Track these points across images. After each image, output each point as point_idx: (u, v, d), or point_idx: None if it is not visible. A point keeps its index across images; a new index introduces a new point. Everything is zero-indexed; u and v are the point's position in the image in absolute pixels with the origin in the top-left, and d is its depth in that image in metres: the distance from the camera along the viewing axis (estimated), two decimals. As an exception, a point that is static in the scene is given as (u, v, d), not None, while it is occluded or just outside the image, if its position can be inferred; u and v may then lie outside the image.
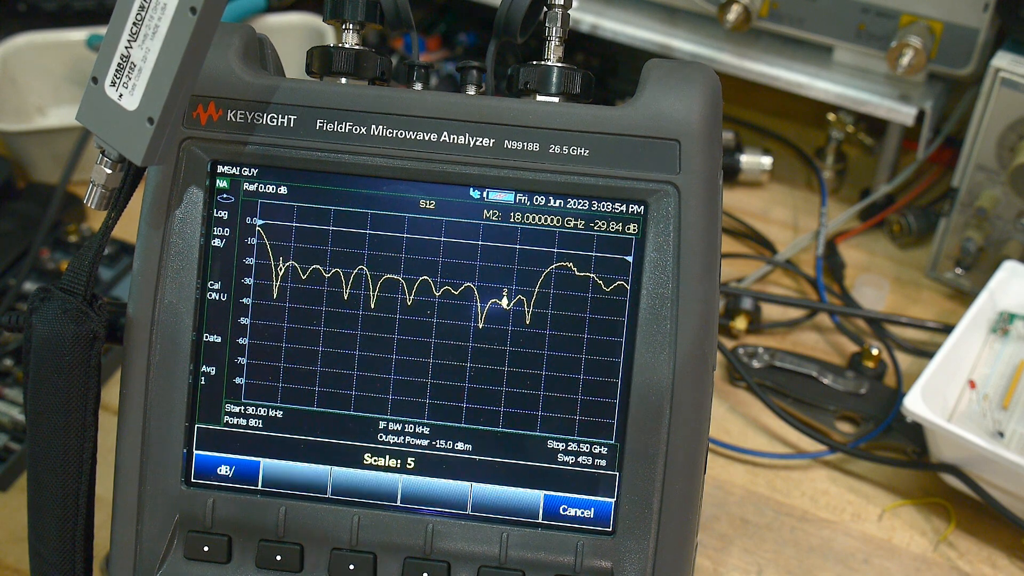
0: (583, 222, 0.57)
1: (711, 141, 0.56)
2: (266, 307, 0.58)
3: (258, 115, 0.57)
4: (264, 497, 0.58)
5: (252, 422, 0.58)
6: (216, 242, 0.58)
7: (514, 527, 0.57)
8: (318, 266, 0.57)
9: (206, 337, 0.58)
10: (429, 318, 0.57)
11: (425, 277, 0.57)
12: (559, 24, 0.59)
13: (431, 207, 0.57)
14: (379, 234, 0.57)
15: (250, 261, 0.58)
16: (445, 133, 0.56)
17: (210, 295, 0.58)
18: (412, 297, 0.57)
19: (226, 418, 0.58)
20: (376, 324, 0.57)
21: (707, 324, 0.56)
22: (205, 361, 0.58)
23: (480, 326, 0.57)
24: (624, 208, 0.56)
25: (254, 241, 0.58)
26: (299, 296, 0.58)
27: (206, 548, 0.57)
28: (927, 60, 0.87)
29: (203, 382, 0.58)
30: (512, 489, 0.58)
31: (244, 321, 0.58)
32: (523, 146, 0.56)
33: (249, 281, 0.58)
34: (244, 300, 0.58)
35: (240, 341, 0.58)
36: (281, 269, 0.58)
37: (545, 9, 0.59)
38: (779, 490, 0.79)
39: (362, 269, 0.57)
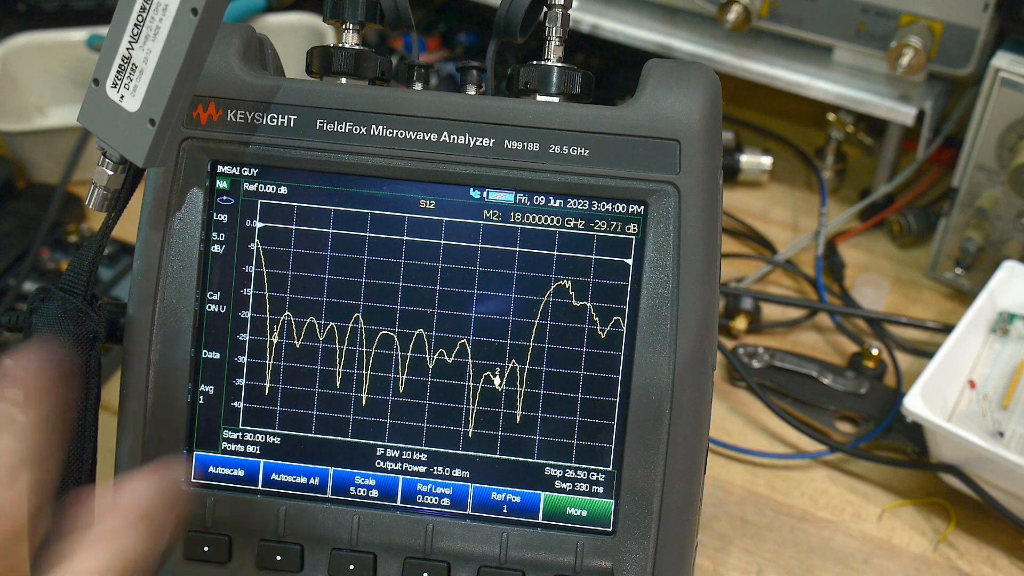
0: (583, 222, 0.57)
1: (711, 141, 0.56)
2: (264, 321, 0.58)
3: (258, 115, 0.57)
4: (264, 497, 0.58)
5: (250, 448, 0.58)
6: (216, 248, 0.58)
7: (514, 527, 0.57)
8: (317, 274, 0.57)
9: (205, 354, 0.58)
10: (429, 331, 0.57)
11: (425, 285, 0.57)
12: (559, 24, 0.59)
13: (431, 207, 0.57)
14: (379, 236, 0.57)
15: (249, 269, 0.58)
16: (445, 133, 0.56)
17: (209, 307, 0.58)
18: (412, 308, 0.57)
19: (224, 444, 0.58)
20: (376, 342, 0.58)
21: (707, 324, 0.56)
22: (204, 380, 0.58)
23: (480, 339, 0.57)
24: (624, 208, 0.56)
25: (254, 247, 0.58)
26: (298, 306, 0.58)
27: (206, 548, 0.57)
28: (927, 60, 0.87)
29: (201, 401, 0.58)
30: (512, 489, 0.58)
31: (243, 337, 0.58)
32: (523, 146, 0.56)
33: (248, 292, 0.58)
34: (243, 313, 0.58)
35: (238, 360, 0.58)
36: (280, 279, 0.58)
37: (545, 9, 0.59)
38: (779, 490, 0.79)
39: (361, 281, 0.57)
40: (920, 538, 0.76)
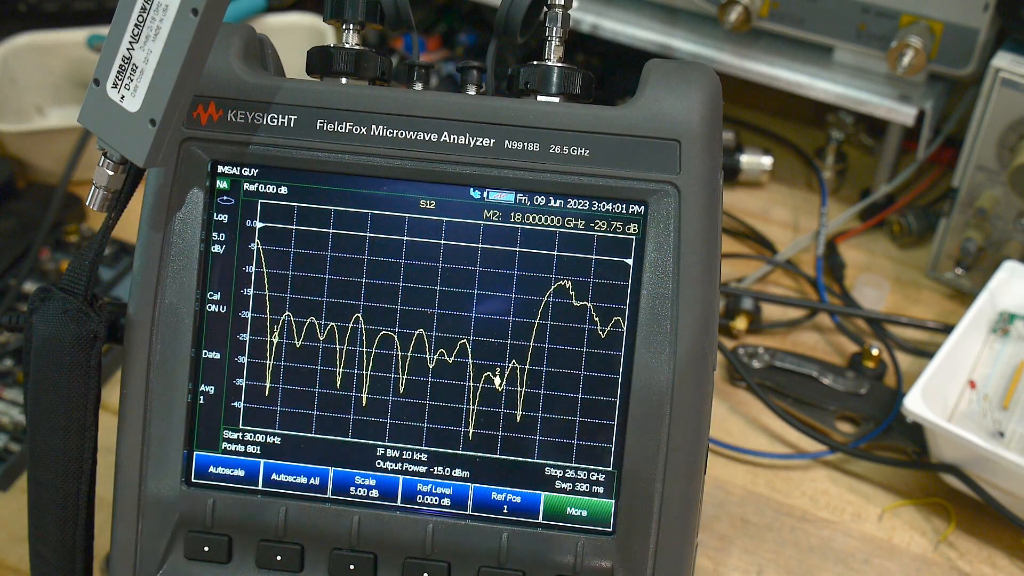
0: (583, 222, 0.57)
1: (711, 141, 0.56)
2: (264, 322, 0.58)
3: (258, 115, 0.57)
4: (265, 497, 0.58)
5: (250, 448, 0.58)
6: (216, 248, 0.58)
7: (514, 527, 0.57)
8: (318, 274, 0.57)
9: (205, 354, 0.58)
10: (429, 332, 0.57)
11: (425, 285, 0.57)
12: (559, 24, 0.59)
13: (431, 207, 0.57)
14: (379, 236, 0.57)
15: (250, 269, 0.58)
16: (445, 133, 0.56)
17: (209, 307, 0.58)
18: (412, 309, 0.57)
19: (224, 444, 0.58)
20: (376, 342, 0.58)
21: (707, 324, 0.56)
22: (204, 380, 0.58)
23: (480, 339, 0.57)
24: (624, 208, 0.56)
25: (254, 247, 0.58)
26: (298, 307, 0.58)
27: (206, 548, 0.57)
28: (927, 60, 0.87)
29: (202, 401, 0.58)
30: (512, 489, 0.58)
31: (243, 337, 0.58)
32: (523, 146, 0.56)
33: (249, 292, 0.58)
34: (243, 313, 0.58)
35: (239, 360, 0.58)
36: (280, 279, 0.58)
37: (545, 9, 0.59)
38: (779, 490, 0.79)
39: (361, 281, 0.57)
40: (920, 538, 0.76)
